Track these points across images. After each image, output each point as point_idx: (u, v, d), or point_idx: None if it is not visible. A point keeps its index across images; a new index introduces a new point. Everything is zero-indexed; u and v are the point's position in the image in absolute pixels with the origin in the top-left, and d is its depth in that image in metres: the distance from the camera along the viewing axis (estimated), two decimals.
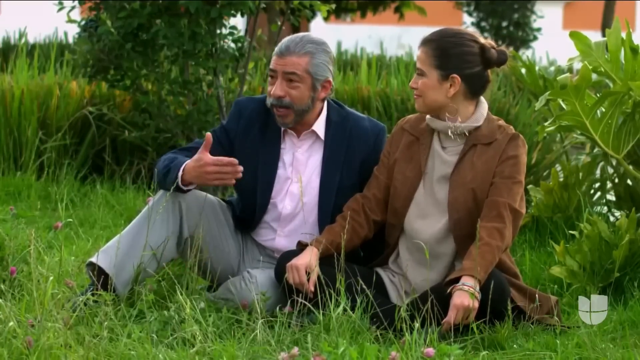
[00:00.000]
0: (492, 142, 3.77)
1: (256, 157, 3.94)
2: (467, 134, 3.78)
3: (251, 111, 3.97)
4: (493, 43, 3.80)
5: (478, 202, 3.73)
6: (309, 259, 3.69)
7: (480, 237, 3.58)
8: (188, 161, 3.73)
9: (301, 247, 3.78)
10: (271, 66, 3.88)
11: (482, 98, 3.84)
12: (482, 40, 3.78)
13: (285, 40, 3.89)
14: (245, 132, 3.95)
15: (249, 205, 3.95)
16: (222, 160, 3.68)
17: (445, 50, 3.72)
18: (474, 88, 3.76)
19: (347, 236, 3.73)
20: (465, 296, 3.49)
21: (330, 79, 3.90)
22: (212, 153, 3.93)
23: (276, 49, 3.88)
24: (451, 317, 3.49)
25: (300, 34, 3.92)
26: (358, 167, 3.95)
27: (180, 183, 3.71)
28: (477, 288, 3.52)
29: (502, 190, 3.71)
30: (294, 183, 3.92)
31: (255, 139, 3.95)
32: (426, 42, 3.76)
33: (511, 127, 3.83)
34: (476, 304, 3.50)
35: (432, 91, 3.74)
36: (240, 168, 3.68)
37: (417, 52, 3.80)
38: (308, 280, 3.66)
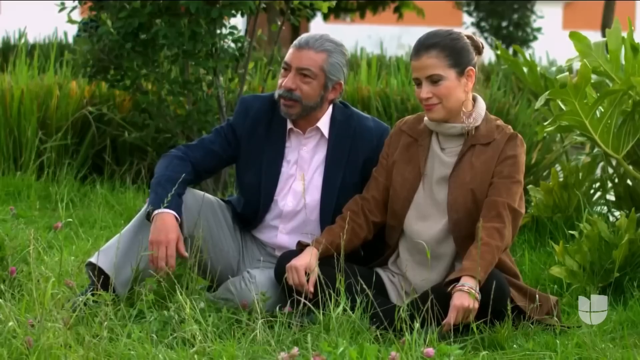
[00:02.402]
0: (491, 142, 3.77)
1: (261, 154, 3.95)
2: (472, 131, 3.77)
3: (257, 110, 3.98)
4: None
5: (477, 203, 3.72)
6: (309, 259, 3.69)
7: (479, 237, 3.58)
8: (165, 213, 3.72)
9: (300, 247, 3.78)
10: (286, 59, 3.89)
11: (479, 98, 3.84)
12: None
13: (305, 35, 3.91)
14: (251, 130, 3.96)
15: (252, 203, 3.95)
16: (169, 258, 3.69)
17: (453, 48, 3.71)
18: (476, 78, 3.80)
19: (347, 237, 3.73)
20: (466, 297, 3.49)
21: (342, 81, 3.91)
22: (220, 151, 3.94)
23: (295, 42, 3.90)
24: (451, 318, 3.49)
25: (320, 33, 3.95)
26: (361, 166, 3.95)
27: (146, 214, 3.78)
28: (477, 288, 3.52)
29: (501, 190, 3.71)
30: (297, 180, 3.93)
31: (261, 137, 3.95)
32: (429, 46, 3.70)
33: (509, 126, 3.83)
34: (476, 305, 3.50)
35: (454, 91, 3.71)
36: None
37: (416, 62, 3.71)
38: (308, 280, 3.67)
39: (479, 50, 3.80)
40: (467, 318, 3.51)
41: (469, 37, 3.79)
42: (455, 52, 3.71)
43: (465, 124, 3.75)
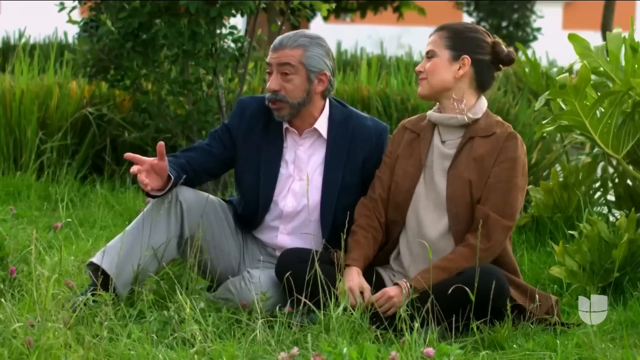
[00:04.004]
0: (490, 135, 3.79)
1: (258, 155, 3.95)
2: (467, 119, 3.78)
3: (253, 110, 3.98)
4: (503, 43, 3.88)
5: (474, 196, 3.73)
6: (358, 279, 3.69)
7: (458, 249, 3.68)
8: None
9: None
10: (267, 60, 3.92)
11: (482, 96, 3.86)
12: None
13: (280, 36, 3.93)
14: (248, 131, 3.96)
15: (251, 204, 3.95)
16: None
17: (460, 33, 3.80)
18: (480, 77, 3.81)
19: (373, 246, 3.81)
20: (399, 293, 3.61)
21: (327, 72, 3.91)
22: (215, 152, 3.95)
23: (272, 45, 3.92)
24: (377, 297, 3.62)
25: (295, 31, 3.96)
26: (360, 166, 3.95)
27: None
28: (410, 290, 3.61)
29: (498, 200, 3.71)
30: (296, 181, 3.93)
31: (258, 137, 3.96)
32: (442, 27, 3.84)
33: (510, 125, 3.85)
34: (400, 301, 3.58)
35: (441, 70, 3.78)
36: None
37: (428, 40, 3.84)
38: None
39: (495, 56, 3.82)
40: (388, 309, 3.60)
41: (494, 41, 3.83)
42: (458, 37, 3.79)
43: (457, 110, 3.77)
